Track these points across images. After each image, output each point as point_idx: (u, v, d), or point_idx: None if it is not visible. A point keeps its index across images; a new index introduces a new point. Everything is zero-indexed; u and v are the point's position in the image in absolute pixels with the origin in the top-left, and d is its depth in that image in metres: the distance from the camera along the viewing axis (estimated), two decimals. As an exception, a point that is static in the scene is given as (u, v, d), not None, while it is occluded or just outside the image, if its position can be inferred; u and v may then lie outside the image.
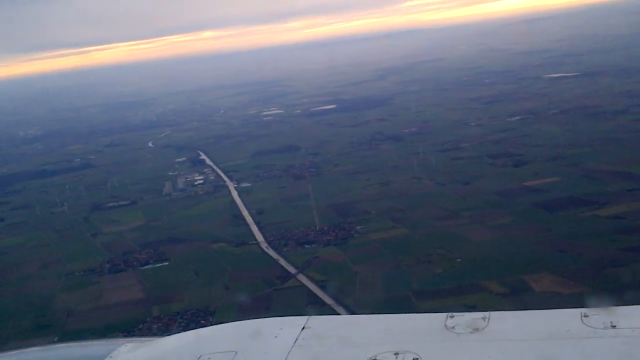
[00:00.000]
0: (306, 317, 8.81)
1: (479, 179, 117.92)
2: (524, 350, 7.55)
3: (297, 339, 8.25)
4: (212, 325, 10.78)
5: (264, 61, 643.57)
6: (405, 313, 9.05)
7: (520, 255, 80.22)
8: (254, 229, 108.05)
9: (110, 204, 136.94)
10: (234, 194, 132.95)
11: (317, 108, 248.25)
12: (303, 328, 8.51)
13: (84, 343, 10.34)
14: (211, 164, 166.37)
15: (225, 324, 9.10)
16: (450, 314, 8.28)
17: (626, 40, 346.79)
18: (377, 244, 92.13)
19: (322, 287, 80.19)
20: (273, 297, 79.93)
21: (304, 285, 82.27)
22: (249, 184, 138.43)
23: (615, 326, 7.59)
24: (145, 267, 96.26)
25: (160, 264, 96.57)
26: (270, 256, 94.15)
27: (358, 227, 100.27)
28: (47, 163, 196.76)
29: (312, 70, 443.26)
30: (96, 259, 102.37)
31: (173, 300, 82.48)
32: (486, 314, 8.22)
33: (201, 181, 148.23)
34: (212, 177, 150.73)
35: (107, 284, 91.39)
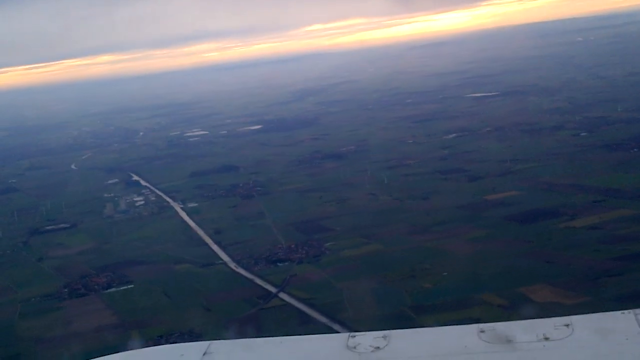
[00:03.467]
0: (208, 342, 8.79)
1: (436, 194, 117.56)
2: None
3: None
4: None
5: (170, 84, 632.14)
6: (307, 334, 9.16)
7: (508, 267, 79.70)
8: (216, 248, 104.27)
9: (49, 227, 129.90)
10: (182, 214, 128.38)
11: (244, 128, 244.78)
12: (204, 353, 8.43)
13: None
14: (147, 184, 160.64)
15: (126, 352, 8.97)
16: (351, 334, 8.46)
17: (534, 61, 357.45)
18: (353, 261, 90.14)
19: (311, 306, 77.50)
20: (261, 317, 76.80)
21: (290, 304, 79.35)
22: (196, 204, 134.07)
23: (510, 340, 7.89)
24: (109, 290, 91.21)
25: (125, 287, 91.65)
26: (243, 275, 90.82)
27: (327, 244, 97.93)
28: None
29: (225, 92, 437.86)
30: (51, 284, 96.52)
31: (151, 324, 78.30)
32: (387, 332, 8.40)
33: (142, 202, 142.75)
34: (153, 198, 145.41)
35: (72, 309, 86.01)
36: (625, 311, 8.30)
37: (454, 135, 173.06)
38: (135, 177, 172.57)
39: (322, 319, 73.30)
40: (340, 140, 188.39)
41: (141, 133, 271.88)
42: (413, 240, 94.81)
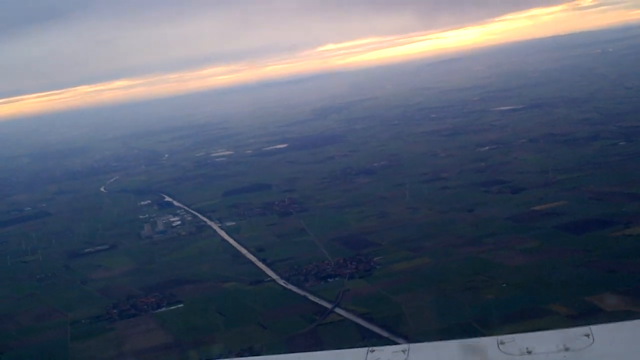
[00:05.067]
0: None
1: (480, 206, 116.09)
2: None
3: None
4: None
5: (187, 107, 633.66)
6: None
7: (570, 277, 78.07)
8: (261, 266, 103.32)
9: (87, 250, 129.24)
10: (222, 233, 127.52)
11: (269, 147, 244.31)
12: None
13: None
14: (181, 205, 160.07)
15: None
16: (370, 348, 8.40)
17: (554, 74, 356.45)
18: (405, 274, 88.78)
19: (370, 320, 76.18)
20: (321, 333, 75.46)
21: (348, 319, 78.03)
22: (234, 223, 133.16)
23: (530, 352, 7.85)
24: (159, 310, 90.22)
25: (175, 307, 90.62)
26: (294, 292, 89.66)
27: (376, 259, 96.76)
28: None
29: (243, 113, 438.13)
30: (98, 306, 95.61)
31: (209, 343, 76.91)
32: (405, 346, 8.35)
33: (179, 222, 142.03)
34: (189, 218, 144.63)
35: (124, 330, 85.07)
36: None
37: (487, 147, 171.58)
38: (168, 198, 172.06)
39: (384, 334, 71.99)
40: (371, 155, 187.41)
41: (166, 155, 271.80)
42: (464, 252, 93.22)
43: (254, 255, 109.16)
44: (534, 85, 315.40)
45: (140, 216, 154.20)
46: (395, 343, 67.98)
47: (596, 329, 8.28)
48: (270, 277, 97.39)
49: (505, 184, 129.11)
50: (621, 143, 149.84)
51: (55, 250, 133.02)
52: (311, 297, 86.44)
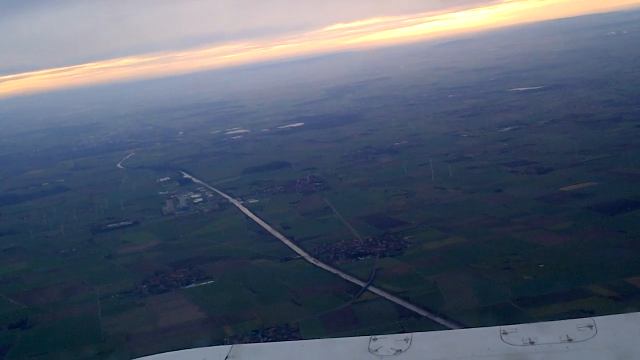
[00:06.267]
0: (229, 346, 8.65)
1: (509, 186, 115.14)
2: None
3: None
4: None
5: (197, 85, 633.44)
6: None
7: (608, 258, 77.06)
8: (289, 243, 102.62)
9: (111, 225, 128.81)
10: (245, 210, 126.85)
11: (285, 126, 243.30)
12: (227, 357, 8.38)
13: None
14: (200, 182, 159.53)
15: (146, 357, 9.00)
16: (373, 336, 8.35)
17: (569, 56, 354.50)
18: (438, 253, 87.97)
19: (406, 299, 75.32)
20: (356, 311, 74.82)
21: (383, 297, 77.27)
22: (257, 200, 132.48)
23: (533, 342, 7.79)
24: (189, 286, 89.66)
25: (205, 282, 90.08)
26: (326, 270, 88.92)
27: (406, 238, 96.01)
28: (14, 188, 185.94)
29: (254, 91, 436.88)
30: (126, 281, 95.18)
31: (243, 319, 76.42)
32: (408, 335, 8.30)
33: (200, 199, 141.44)
34: (211, 195, 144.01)
35: (155, 306, 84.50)
36: None
37: (509, 128, 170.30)
38: (186, 175, 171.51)
39: (422, 313, 71.18)
40: (390, 135, 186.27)
41: (180, 132, 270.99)
42: (496, 232, 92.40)
43: (281, 233, 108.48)
44: (550, 66, 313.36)
45: (160, 192, 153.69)
46: (435, 322, 67.77)
47: (599, 320, 8.21)
48: (299, 254, 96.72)
49: (531, 164, 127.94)
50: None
51: (77, 225, 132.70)
52: (343, 275, 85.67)
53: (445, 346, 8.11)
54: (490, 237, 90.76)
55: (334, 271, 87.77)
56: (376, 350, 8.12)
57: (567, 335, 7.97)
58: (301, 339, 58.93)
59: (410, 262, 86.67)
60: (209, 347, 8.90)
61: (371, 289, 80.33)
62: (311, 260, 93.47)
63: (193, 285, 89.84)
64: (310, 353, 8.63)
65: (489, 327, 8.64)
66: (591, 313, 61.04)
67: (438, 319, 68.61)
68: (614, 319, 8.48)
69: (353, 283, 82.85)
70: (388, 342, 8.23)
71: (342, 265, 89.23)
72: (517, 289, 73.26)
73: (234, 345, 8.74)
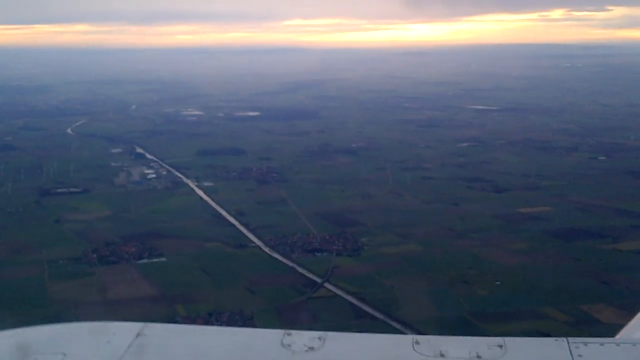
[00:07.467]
0: (141, 323, 8.67)
1: (466, 202, 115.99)
2: None
3: (130, 346, 8.10)
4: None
5: (150, 61, 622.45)
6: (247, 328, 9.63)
7: (564, 284, 78.11)
8: (244, 230, 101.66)
9: (60, 190, 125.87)
10: (199, 192, 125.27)
11: (241, 113, 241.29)
12: (137, 335, 8.35)
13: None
14: (154, 158, 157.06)
15: (56, 325, 8.85)
16: (287, 331, 8.43)
17: (525, 81, 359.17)
18: (395, 258, 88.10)
19: (362, 300, 75.16)
20: (312, 306, 74.30)
21: (339, 295, 76.97)
22: (212, 183, 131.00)
23: (443, 355, 7.86)
24: (141, 260, 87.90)
25: (157, 259, 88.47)
26: (282, 262, 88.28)
27: (363, 239, 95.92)
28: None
29: (209, 75, 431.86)
30: (75, 248, 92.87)
31: (196, 301, 75.32)
32: (323, 333, 8.42)
33: (154, 175, 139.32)
34: (164, 172, 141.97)
35: (106, 276, 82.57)
36: (559, 338, 8.19)
37: (466, 144, 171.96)
38: (139, 150, 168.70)
39: (379, 315, 71.12)
40: (348, 135, 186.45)
41: (133, 106, 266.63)
42: (454, 245, 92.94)
43: (236, 219, 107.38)
44: (507, 89, 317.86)
45: (112, 163, 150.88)
46: (391, 327, 67.72)
47: (509, 341, 8.18)
48: (254, 242, 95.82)
49: (487, 182, 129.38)
50: (601, 157, 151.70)
51: (24, 185, 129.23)
52: (299, 269, 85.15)
53: (356, 349, 8.19)
54: (448, 249, 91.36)
55: (290, 264, 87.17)
56: (289, 345, 8.15)
57: (477, 352, 7.95)
58: (255, 328, 58.07)
59: (366, 263, 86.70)
60: (119, 322, 8.76)
61: (327, 285, 79.96)
62: (266, 250, 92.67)
63: (145, 260, 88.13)
64: (223, 340, 8.62)
65: (402, 335, 9.09)
66: (547, 335, 61.65)
67: (394, 324, 68.62)
68: (524, 341, 8.42)
69: (309, 278, 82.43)
70: (302, 338, 8.27)
71: (298, 259, 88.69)
72: (474, 303, 73.73)
73: (146, 324, 8.67)
